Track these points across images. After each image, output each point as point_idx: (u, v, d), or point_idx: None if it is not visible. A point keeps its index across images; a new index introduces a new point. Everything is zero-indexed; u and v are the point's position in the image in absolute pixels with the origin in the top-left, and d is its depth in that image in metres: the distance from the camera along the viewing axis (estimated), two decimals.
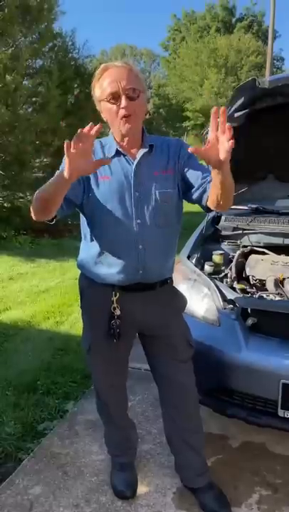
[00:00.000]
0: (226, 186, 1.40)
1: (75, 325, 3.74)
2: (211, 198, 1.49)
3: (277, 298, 2.12)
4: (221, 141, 1.28)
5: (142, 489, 1.92)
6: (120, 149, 1.58)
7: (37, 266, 5.82)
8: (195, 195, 1.60)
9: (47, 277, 5.30)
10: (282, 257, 2.49)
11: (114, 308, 1.62)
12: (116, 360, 1.77)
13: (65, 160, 1.27)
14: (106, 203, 1.56)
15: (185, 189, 1.64)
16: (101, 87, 1.52)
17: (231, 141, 1.26)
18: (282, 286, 2.24)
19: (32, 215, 1.50)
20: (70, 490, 1.92)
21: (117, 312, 1.62)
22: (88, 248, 1.67)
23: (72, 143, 1.25)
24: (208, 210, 1.60)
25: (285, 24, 65.01)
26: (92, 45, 23.47)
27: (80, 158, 1.27)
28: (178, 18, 36.34)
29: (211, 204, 1.52)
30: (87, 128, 1.26)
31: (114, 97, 1.48)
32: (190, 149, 1.34)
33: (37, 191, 1.45)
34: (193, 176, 1.60)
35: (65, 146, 1.25)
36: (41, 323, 3.83)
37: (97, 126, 1.26)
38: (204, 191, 1.56)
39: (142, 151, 1.59)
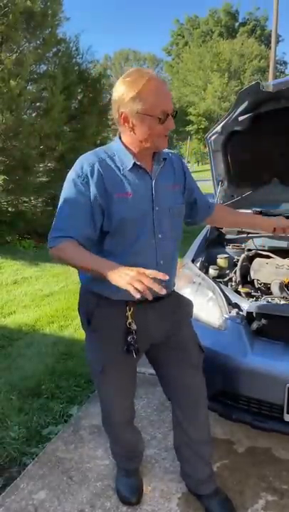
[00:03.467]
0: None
1: (79, 329, 3.73)
2: (210, 221, 1.90)
3: (283, 302, 2.12)
4: None
5: (146, 494, 1.90)
6: (138, 163, 1.50)
7: (41, 270, 5.83)
8: (195, 216, 1.80)
9: (51, 281, 5.31)
10: (287, 261, 2.49)
11: (130, 324, 1.55)
12: (130, 376, 1.71)
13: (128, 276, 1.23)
14: (128, 219, 1.48)
15: (186, 205, 1.72)
16: (146, 100, 1.41)
17: None
18: (287, 289, 2.23)
19: (55, 254, 1.44)
20: (74, 495, 1.91)
21: (133, 327, 1.55)
22: None
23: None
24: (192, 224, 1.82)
25: (288, 28, 65.12)
26: (95, 50, 23.59)
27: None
28: (181, 23, 36.52)
29: (212, 223, 1.81)
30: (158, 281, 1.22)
31: (165, 115, 1.44)
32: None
33: (75, 251, 1.39)
34: (195, 196, 1.76)
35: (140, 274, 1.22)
36: (45, 328, 3.83)
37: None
38: (204, 214, 1.82)
39: (159, 165, 1.57)
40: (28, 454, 2.19)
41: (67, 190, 1.48)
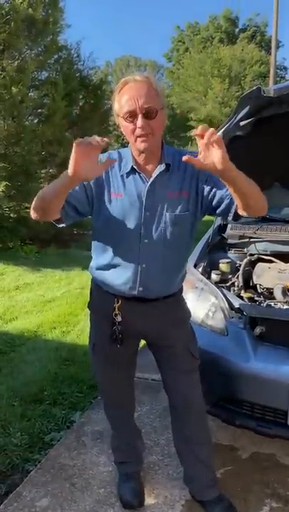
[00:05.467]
0: (245, 192, 1.36)
1: (81, 335, 3.73)
2: (240, 206, 1.44)
3: (286, 306, 2.11)
4: (212, 152, 1.24)
5: (150, 501, 1.89)
6: (135, 167, 1.55)
7: (43, 275, 5.83)
8: (219, 210, 1.56)
9: (53, 287, 5.31)
10: None
11: (116, 315, 1.65)
12: (118, 362, 1.77)
13: (72, 157, 1.28)
14: (116, 219, 1.56)
15: (209, 206, 1.58)
16: (119, 103, 1.48)
17: (221, 150, 1.22)
18: None
19: (31, 213, 1.50)
20: (77, 502, 1.90)
21: (118, 319, 1.65)
22: (96, 257, 1.71)
23: (81, 142, 1.25)
24: (236, 217, 1.52)
25: (288, 34, 65.49)
26: (96, 57, 23.58)
27: (86, 158, 1.28)
28: (181, 29, 36.71)
29: (243, 211, 1.46)
30: (99, 139, 1.26)
31: (132, 115, 1.45)
32: (184, 158, 1.29)
33: (40, 190, 1.47)
34: (215, 193, 1.55)
35: (74, 143, 1.25)
36: (47, 333, 3.83)
37: (106, 140, 1.27)
38: (228, 204, 1.52)
39: (159, 169, 1.55)
40: (31, 460, 2.18)
41: None
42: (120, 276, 1.62)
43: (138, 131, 1.46)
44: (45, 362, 3.23)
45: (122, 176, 1.57)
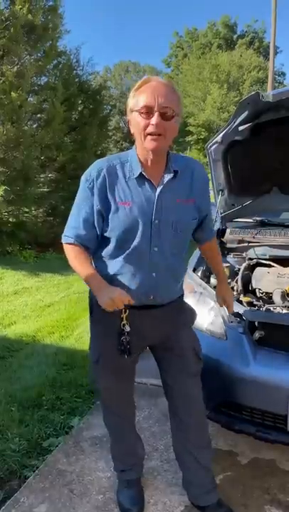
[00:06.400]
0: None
1: (80, 339, 3.72)
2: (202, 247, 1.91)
3: (285, 311, 2.10)
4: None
5: (149, 507, 1.87)
6: (144, 173, 1.51)
7: (42, 280, 5.83)
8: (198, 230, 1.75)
9: (52, 291, 5.30)
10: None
11: (124, 325, 1.59)
12: (123, 372, 1.75)
13: (107, 299, 1.47)
14: (124, 228, 1.51)
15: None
16: (137, 98, 1.44)
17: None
18: None
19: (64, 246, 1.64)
20: (76, 508, 1.88)
21: (127, 328, 1.59)
22: (102, 266, 1.62)
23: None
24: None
25: (286, 40, 65.92)
26: (95, 62, 23.72)
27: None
28: (180, 35, 36.96)
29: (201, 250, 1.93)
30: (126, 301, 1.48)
31: (148, 111, 1.41)
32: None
33: (75, 259, 1.59)
34: (206, 217, 1.74)
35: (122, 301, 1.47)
36: (46, 338, 3.82)
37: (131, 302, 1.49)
38: (207, 235, 1.82)
39: (168, 176, 1.53)
40: (29, 466, 2.16)
41: (79, 191, 1.59)
42: (130, 286, 1.57)
43: (151, 128, 1.42)
44: (44, 367, 3.21)
45: (126, 182, 1.52)
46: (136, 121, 1.45)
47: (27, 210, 7.73)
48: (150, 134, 1.43)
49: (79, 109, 8.66)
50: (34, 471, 2.10)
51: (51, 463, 2.15)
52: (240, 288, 2.38)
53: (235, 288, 2.40)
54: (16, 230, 7.22)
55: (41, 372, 3.12)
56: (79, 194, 1.58)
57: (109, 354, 1.66)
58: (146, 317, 1.63)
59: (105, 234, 1.56)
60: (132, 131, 1.51)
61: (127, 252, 1.54)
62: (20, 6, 6.62)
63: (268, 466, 2.12)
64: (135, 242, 1.53)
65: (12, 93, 6.38)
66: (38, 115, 7.65)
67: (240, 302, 2.21)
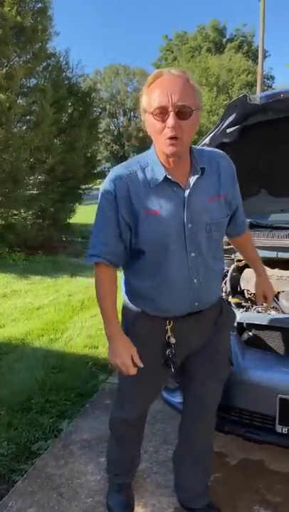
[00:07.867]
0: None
1: (69, 342, 3.70)
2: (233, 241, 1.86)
3: (273, 312, 2.11)
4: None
5: (138, 509, 1.87)
6: (169, 176, 1.38)
7: (31, 283, 5.79)
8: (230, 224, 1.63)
9: (41, 294, 5.27)
10: (277, 271, 2.49)
11: (169, 337, 1.51)
12: (160, 384, 1.73)
13: (119, 357, 1.46)
14: (156, 237, 1.40)
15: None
16: (149, 97, 1.31)
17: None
18: (278, 300, 2.23)
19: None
20: None
21: (172, 341, 1.51)
22: (137, 281, 1.53)
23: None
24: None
25: (274, 44, 66.69)
26: (85, 65, 23.81)
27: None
28: (169, 38, 37.11)
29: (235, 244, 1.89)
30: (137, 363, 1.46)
31: (162, 112, 1.28)
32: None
33: (101, 289, 1.51)
34: (237, 204, 1.65)
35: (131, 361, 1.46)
36: (35, 341, 3.79)
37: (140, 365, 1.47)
38: (239, 228, 1.73)
39: (195, 177, 1.41)
40: (17, 470, 2.14)
41: (99, 203, 1.45)
42: (173, 297, 1.47)
43: (167, 132, 1.28)
44: (33, 370, 3.19)
45: (151, 188, 1.39)
46: (151, 123, 1.33)
47: (16, 212, 7.70)
48: (168, 138, 1.30)
49: (69, 111, 8.66)
50: (23, 475, 2.09)
51: (40, 466, 2.14)
52: (228, 289, 2.38)
53: (223, 289, 2.41)
54: (5, 232, 7.18)
55: (30, 375, 3.10)
56: (100, 209, 1.45)
57: (151, 371, 1.54)
58: (191, 325, 1.54)
59: (135, 247, 1.44)
60: (148, 133, 1.38)
61: (163, 262, 1.43)
62: (9, 8, 6.62)
63: (256, 466, 2.13)
64: (170, 251, 1.41)
65: (1, 95, 6.36)
66: (28, 117, 7.63)
67: (229, 303, 2.22)
